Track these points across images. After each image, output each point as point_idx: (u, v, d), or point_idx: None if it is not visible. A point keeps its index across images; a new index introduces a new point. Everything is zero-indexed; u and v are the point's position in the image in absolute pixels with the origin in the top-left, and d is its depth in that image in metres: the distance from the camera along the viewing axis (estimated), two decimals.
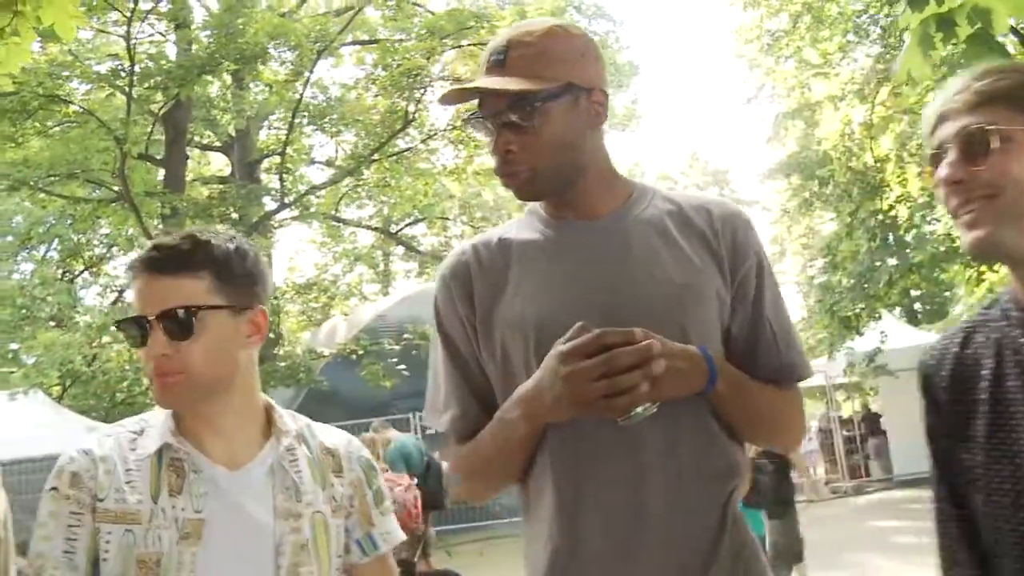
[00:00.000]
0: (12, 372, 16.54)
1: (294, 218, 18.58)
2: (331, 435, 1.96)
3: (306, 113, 17.36)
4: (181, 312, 1.70)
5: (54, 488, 1.73)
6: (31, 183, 15.85)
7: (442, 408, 1.88)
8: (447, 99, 1.86)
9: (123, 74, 15.30)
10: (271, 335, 18.02)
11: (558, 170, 1.78)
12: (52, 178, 16.05)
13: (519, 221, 1.95)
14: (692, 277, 1.77)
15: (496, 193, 22.40)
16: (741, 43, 22.19)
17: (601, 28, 22.02)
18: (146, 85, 15.39)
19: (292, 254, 35.93)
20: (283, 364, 15.83)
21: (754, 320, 1.83)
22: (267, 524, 1.75)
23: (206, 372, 1.73)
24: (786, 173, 26.01)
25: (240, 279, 1.78)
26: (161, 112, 16.09)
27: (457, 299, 1.87)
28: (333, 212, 19.09)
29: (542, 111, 1.73)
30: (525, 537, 1.83)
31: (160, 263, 1.73)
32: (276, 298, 16.29)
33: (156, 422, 1.81)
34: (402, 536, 1.97)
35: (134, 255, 1.73)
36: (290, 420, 1.88)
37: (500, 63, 1.77)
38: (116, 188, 15.98)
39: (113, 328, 19.08)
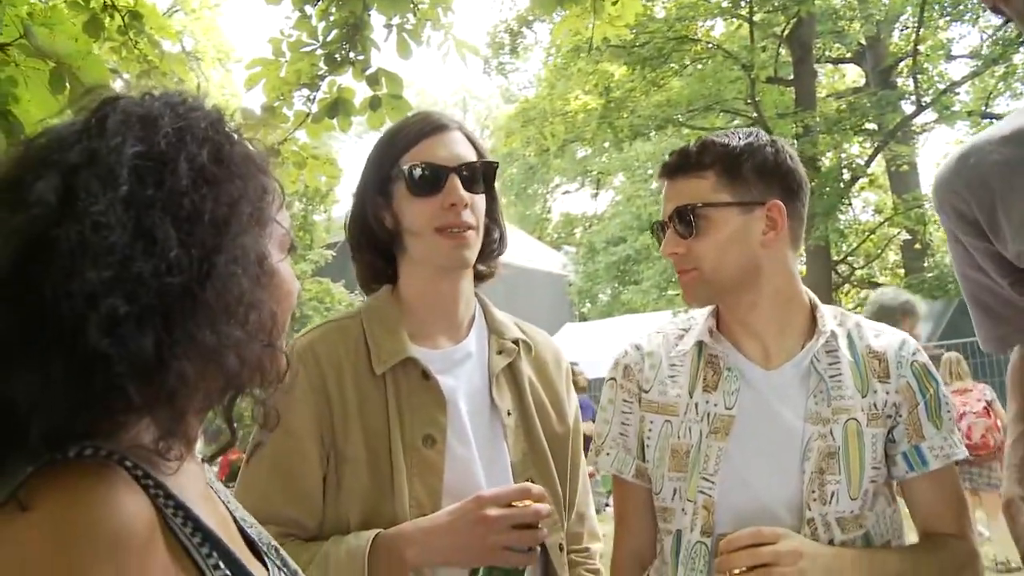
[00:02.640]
0: (676, 294, 18.12)
1: (937, 120, 17.53)
2: (882, 337, 1.82)
3: (936, 4, 16.20)
4: (685, 211, 1.75)
5: (612, 378, 1.91)
6: (674, 120, 17.09)
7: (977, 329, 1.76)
8: None
9: (743, 3, 15.78)
10: (917, 246, 17.38)
11: None
12: (692, 112, 17.13)
13: (1010, 115, 1.67)
14: None
15: None
16: None
17: None
18: (766, 10, 15.67)
19: (940, 159, 33.77)
20: (930, 275, 15.17)
21: None
22: (796, 426, 1.72)
23: (719, 268, 1.74)
24: None
25: (750, 175, 1.74)
26: (784, 33, 16.22)
27: (953, 224, 1.70)
28: (984, 108, 17.59)
29: None
30: None
31: (671, 167, 1.80)
32: (920, 206, 15.58)
33: (700, 319, 1.87)
34: (962, 453, 1.77)
35: None
36: (831, 320, 1.79)
37: None
38: (751, 114, 16.53)
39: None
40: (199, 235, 0.94)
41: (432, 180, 1.73)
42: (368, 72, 4.60)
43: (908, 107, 17.03)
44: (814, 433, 1.69)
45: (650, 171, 20.43)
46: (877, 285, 16.40)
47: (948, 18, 16.96)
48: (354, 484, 1.66)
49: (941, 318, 14.67)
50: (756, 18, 15.33)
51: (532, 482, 1.71)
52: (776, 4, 15.42)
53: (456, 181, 1.74)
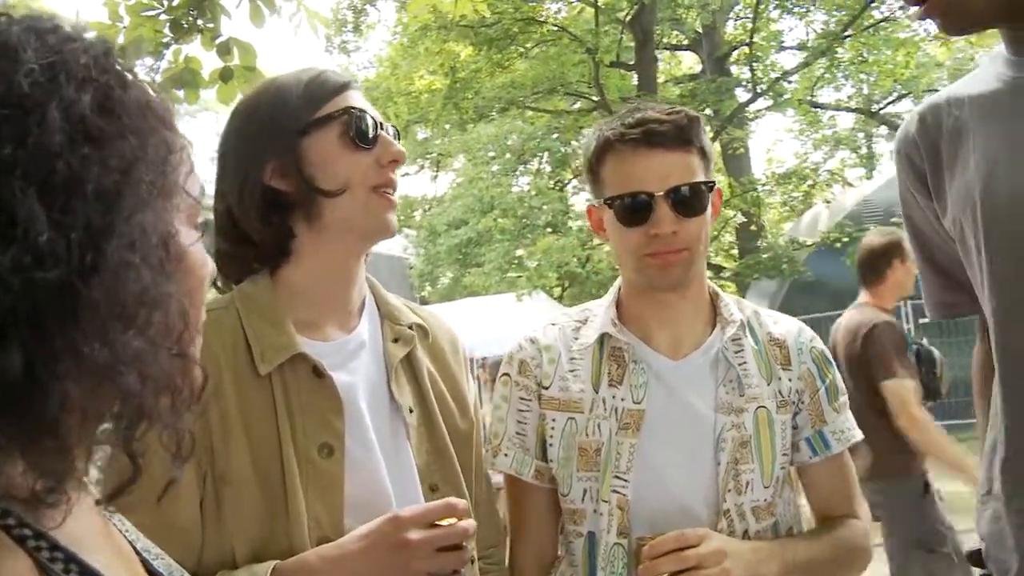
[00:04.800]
0: (518, 276, 18.19)
1: (769, 108, 18.18)
2: (780, 324, 1.83)
3: None
4: (693, 188, 1.66)
5: (506, 374, 1.81)
6: (519, 103, 17.11)
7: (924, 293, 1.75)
8: None
9: None
10: (752, 227, 18.00)
11: None
12: (536, 95, 17.19)
13: (978, 70, 1.61)
14: None
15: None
16: None
17: None
18: None
19: (770, 144, 35.34)
20: (765, 256, 15.71)
21: None
22: (708, 417, 1.69)
23: (702, 250, 1.70)
24: None
25: (710, 157, 1.72)
26: (627, 18, 16.47)
27: (908, 182, 1.67)
28: (809, 97, 18.35)
29: None
30: None
31: (667, 136, 1.66)
32: (755, 189, 16.14)
33: (599, 311, 1.80)
34: (859, 435, 1.81)
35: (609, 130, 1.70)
36: (736, 309, 1.78)
37: None
38: (594, 98, 16.72)
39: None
40: (80, 213, 0.71)
41: (372, 130, 1.54)
42: (219, 41, 4.24)
43: (742, 94, 17.55)
44: (727, 423, 1.68)
45: (491, 153, 20.43)
46: (713, 266, 16.87)
47: (780, 11, 17.56)
48: (240, 508, 1.41)
49: (776, 297, 15.26)
50: (600, 3, 15.44)
51: (437, 487, 1.55)
52: None
53: (391, 138, 1.56)
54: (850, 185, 21.31)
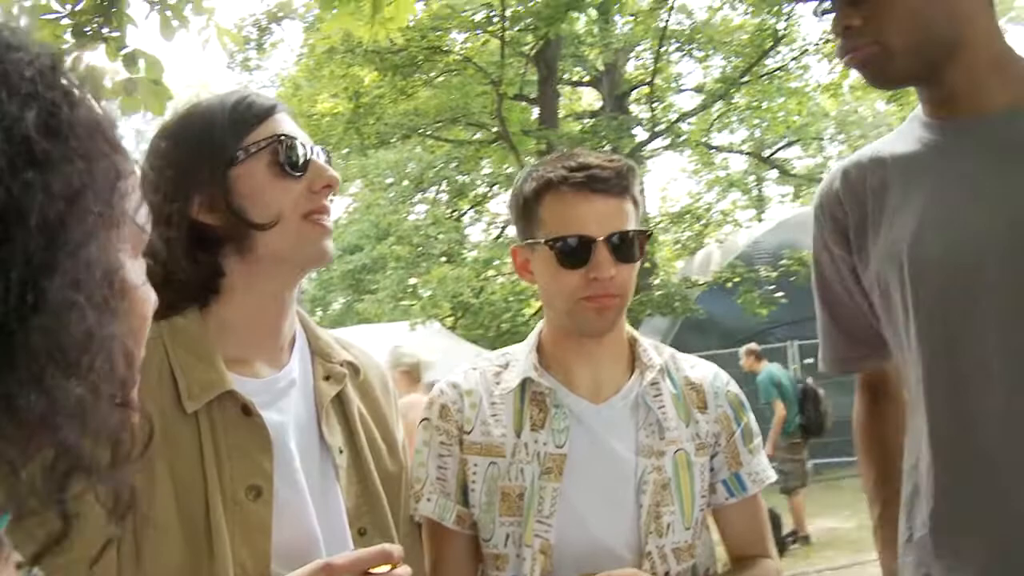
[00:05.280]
0: (412, 304, 18.07)
1: (665, 147, 18.55)
2: (697, 368, 1.86)
3: (673, 40, 17.16)
4: (625, 235, 1.67)
5: (427, 419, 1.79)
6: (421, 131, 17.06)
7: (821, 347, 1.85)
8: None
9: (495, 20, 15.94)
10: (646, 265, 18.31)
11: (915, 48, 1.53)
12: (438, 124, 17.17)
13: (898, 130, 1.73)
14: None
15: (874, 109, 20.98)
16: None
17: None
18: (517, 28, 15.94)
19: (665, 183, 36.13)
20: (658, 293, 15.92)
21: None
22: (629, 460, 1.71)
23: (630, 297, 1.72)
24: None
25: (640, 205, 1.75)
26: (532, 52, 16.56)
27: (827, 235, 1.75)
28: (704, 139, 18.81)
29: None
30: None
31: (608, 183, 1.68)
32: (650, 227, 16.44)
33: (520, 355, 1.80)
34: (773, 476, 1.87)
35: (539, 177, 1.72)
36: (654, 353, 1.80)
37: None
38: (495, 129, 16.78)
39: (497, 261, 20.23)
40: (21, 246, 0.62)
41: (303, 156, 1.46)
42: (124, 51, 4.05)
43: (641, 133, 17.87)
44: (648, 466, 1.70)
45: (389, 180, 20.32)
46: None
47: (681, 54, 18.00)
48: (161, 552, 1.31)
49: (667, 334, 15.47)
50: (506, 36, 15.56)
51: (366, 530, 1.49)
52: (526, 24, 15.71)
53: (322, 162, 1.49)
54: (741, 226, 21.89)
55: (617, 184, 1.68)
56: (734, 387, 1.87)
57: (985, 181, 1.51)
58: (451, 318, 19.96)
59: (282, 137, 1.46)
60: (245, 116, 1.46)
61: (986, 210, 1.49)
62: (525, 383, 1.75)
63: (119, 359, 0.69)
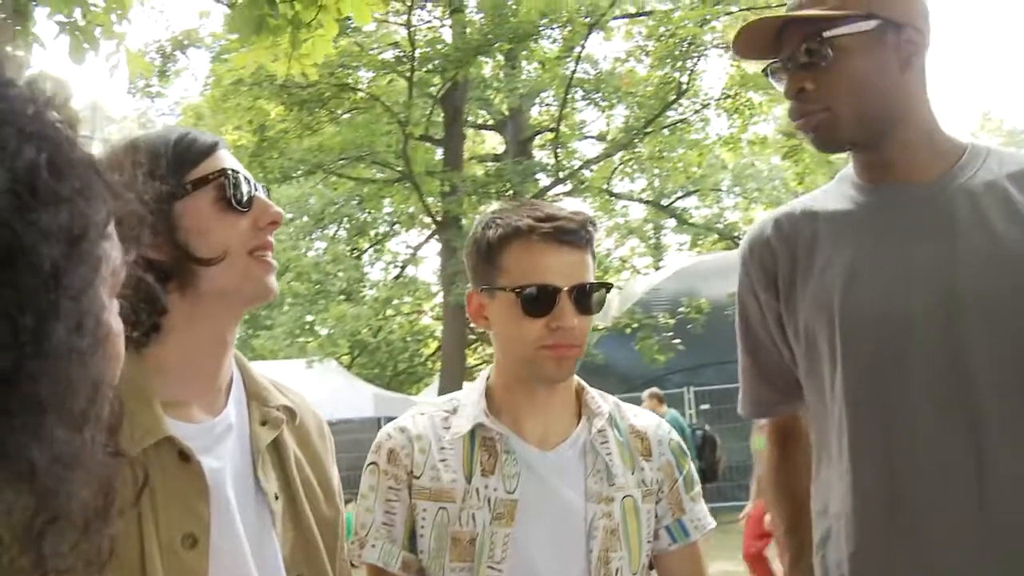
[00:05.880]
0: (309, 342, 17.82)
1: (567, 193, 18.77)
2: (640, 417, 1.91)
3: (578, 88, 17.46)
4: (588, 287, 1.71)
5: (374, 463, 1.78)
6: (324, 167, 16.92)
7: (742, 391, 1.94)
8: (741, 46, 1.73)
9: (404, 60, 16.03)
10: None
11: (862, 117, 1.63)
12: (342, 161, 17.05)
13: (827, 188, 1.82)
14: None
15: (770, 163, 21.65)
16: None
17: None
18: (425, 69, 16.06)
19: None
20: None
21: None
22: (579, 507, 1.73)
23: (585, 347, 1.76)
24: None
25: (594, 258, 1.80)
26: (439, 94, 16.65)
27: (755, 280, 1.82)
28: (605, 186, 19.12)
29: (839, 45, 1.60)
30: None
31: (577, 236, 1.72)
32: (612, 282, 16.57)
33: (468, 401, 1.82)
34: (713, 523, 1.91)
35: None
36: (602, 401, 1.84)
37: (797, 5, 1.65)
38: (399, 168, 16.76)
39: (396, 301, 20.11)
40: (27, 289, 0.59)
41: (248, 192, 1.45)
42: (29, 72, 3.92)
43: (544, 178, 18.06)
44: (597, 512, 1.73)
45: (289, 215, 20.10)
46: None
47: (586, 102, 18.31)
48: None
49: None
50: (414, 77, 15.61)
51: None
52: (435, 65, 15.79)
53: (266, 198, 1.49)
54: (639, 273, 22.25)
55: (582, 237, 1.72)
56: (676, 436, 1.91)
57: (915, 244, 1.61)
58: (347, 356, 19.76)
59: (228, 172, 1.43)
60: (189, 151, 1.44)
61: (916, 273, 1.59)
62: (475, 429, 1.76)
63: (111, 406, 0.67)
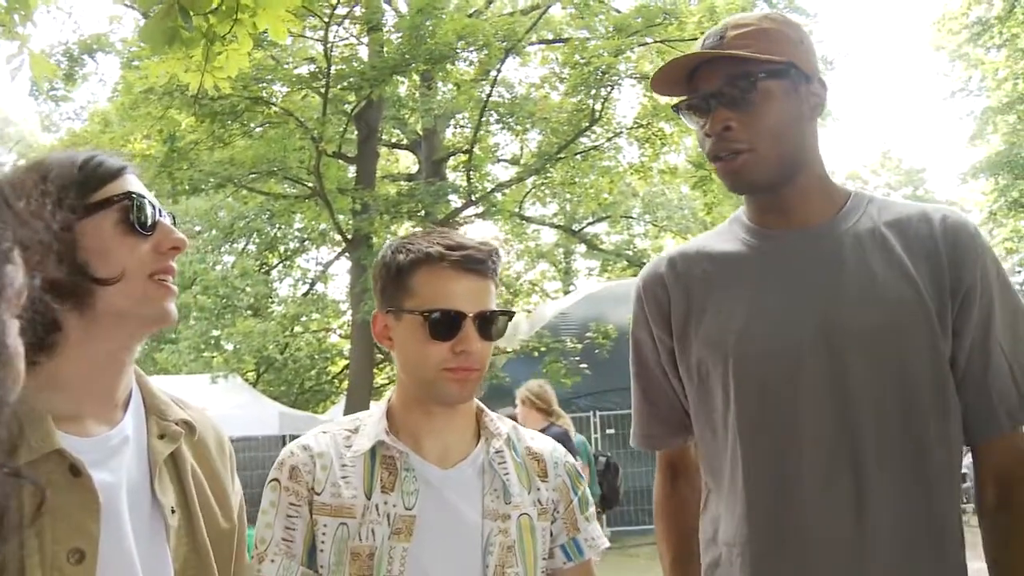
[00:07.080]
0: (214, 357, 17.48)
1: (479, 215, 18.79)
2: (536, 440, 1.97)
3: (493, 112, 17.53)
4: (492, 314, 1.78)
5: (275, 479, 1.80)
6: (235, 180, 16.64)
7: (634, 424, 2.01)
8: (661, 82, 1.78)
9: (320, 76, 15.91)
10: None
11: (779, 160, 1.71)
12: (253, 175, 16.79)
13: (720, 230, 1.91)
14: (913, 298, 1.66)
15: (679, 192, 22.07)
16: (943, 34, 21.11)
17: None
18: (341, 86, 15.92)
19: None
20: None
21: (983, 347, 1.68)
22: (476, 523, 1.78)
23: (486, 371, 1.81)
24: (992, 172, 24.47)
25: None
26: (354, 112, 16.58)
27: (649, 317, 1.89)
28: (517, 209, 19.20)
29: (763, 88, 1.67)
30: None
31: (484, 264, 1.79)
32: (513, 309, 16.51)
33: (371, 421, 1.85)
34: (606, 543, 1.98)
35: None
36: (500, 424, 1.90)
37: (718, 44, 1.70)
38: (311, 185, 16.59)
39: (304, 318, 19.87)
40: None
41: (152, 216, 1.47)
42: None
43: (456, 200, 18.06)
44: (494, 528, 1.78)
45: (198, 228, 19.72)
46: None
47: (500, 125, 18.37)
48: None
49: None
50: (330, 93, 15.49)
51: None
52: (350, 83, 15.70)
53: (169, 223, 1.50)
54: (549, 296, 22.38)
55: (488, 267, 1.79)
56: (571, 459, 1.98)
57: (803, 284, 1.70)
58: (253, 373, 19.42)
59: (132, 195, 1.45)
60: (96, 172, 1.45)
61: (803, 310, 1.68)
62: (376, 447, 1.80)
63: (11, 427, 0.68)
